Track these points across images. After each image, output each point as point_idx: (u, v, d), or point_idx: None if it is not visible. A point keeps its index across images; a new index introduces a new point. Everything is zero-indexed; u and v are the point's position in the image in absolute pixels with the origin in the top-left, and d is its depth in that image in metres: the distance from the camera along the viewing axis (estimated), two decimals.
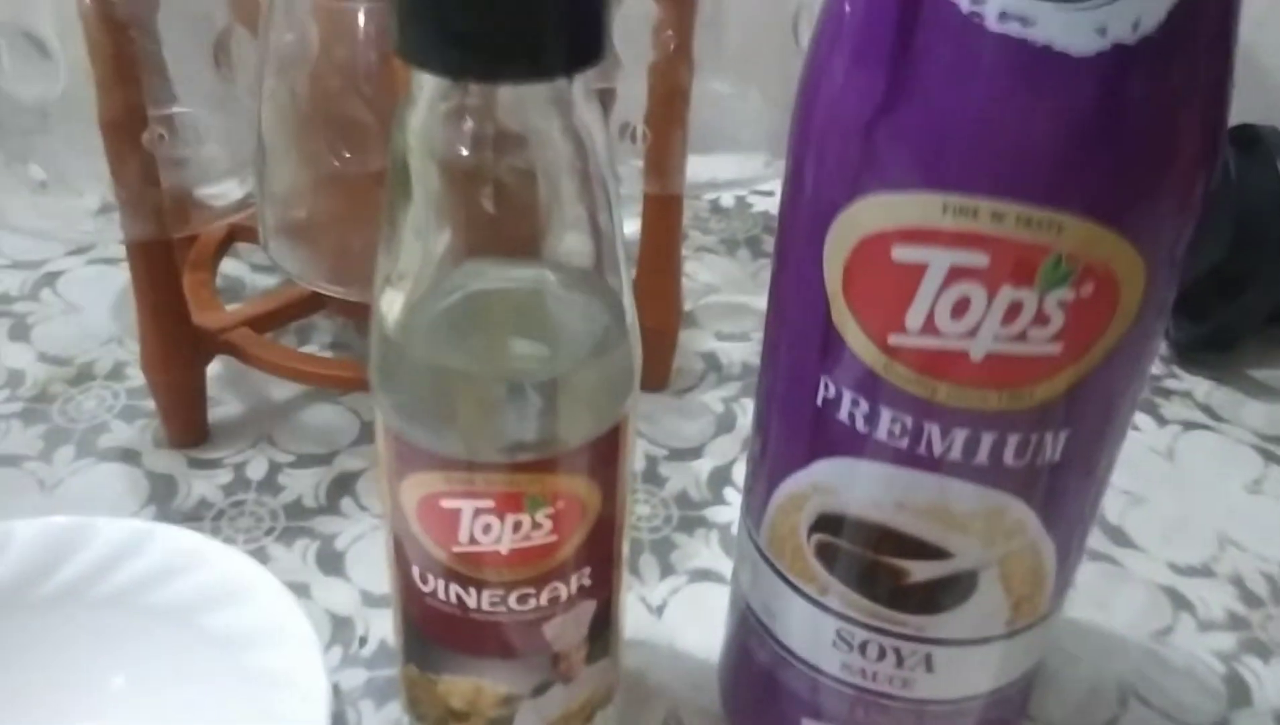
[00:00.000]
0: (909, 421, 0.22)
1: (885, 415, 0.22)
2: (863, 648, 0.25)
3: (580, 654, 0.26)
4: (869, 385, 0.22)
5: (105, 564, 0.27)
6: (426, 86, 0.21)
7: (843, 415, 0.23)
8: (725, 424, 0.41)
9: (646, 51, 0.36)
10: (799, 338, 0.23)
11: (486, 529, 0.23)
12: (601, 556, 0.25)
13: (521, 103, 0.21)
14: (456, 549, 0.24)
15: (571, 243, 0.23)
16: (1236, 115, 0.21)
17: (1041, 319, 0.20)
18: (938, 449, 0.22)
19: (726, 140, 0.54)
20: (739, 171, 0.55)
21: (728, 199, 0.54)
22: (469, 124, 0.21)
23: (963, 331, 0.21)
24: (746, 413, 0.41)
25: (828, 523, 0.24)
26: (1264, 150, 0.43)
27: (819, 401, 0.23)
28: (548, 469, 0.23)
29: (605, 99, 0.39)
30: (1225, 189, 0.43)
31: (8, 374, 0.40)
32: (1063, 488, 0.23)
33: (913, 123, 0.19)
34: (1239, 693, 0.32)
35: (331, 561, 0.34)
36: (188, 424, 0.37)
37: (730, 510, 0.37)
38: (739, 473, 0.39)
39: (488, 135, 0.21)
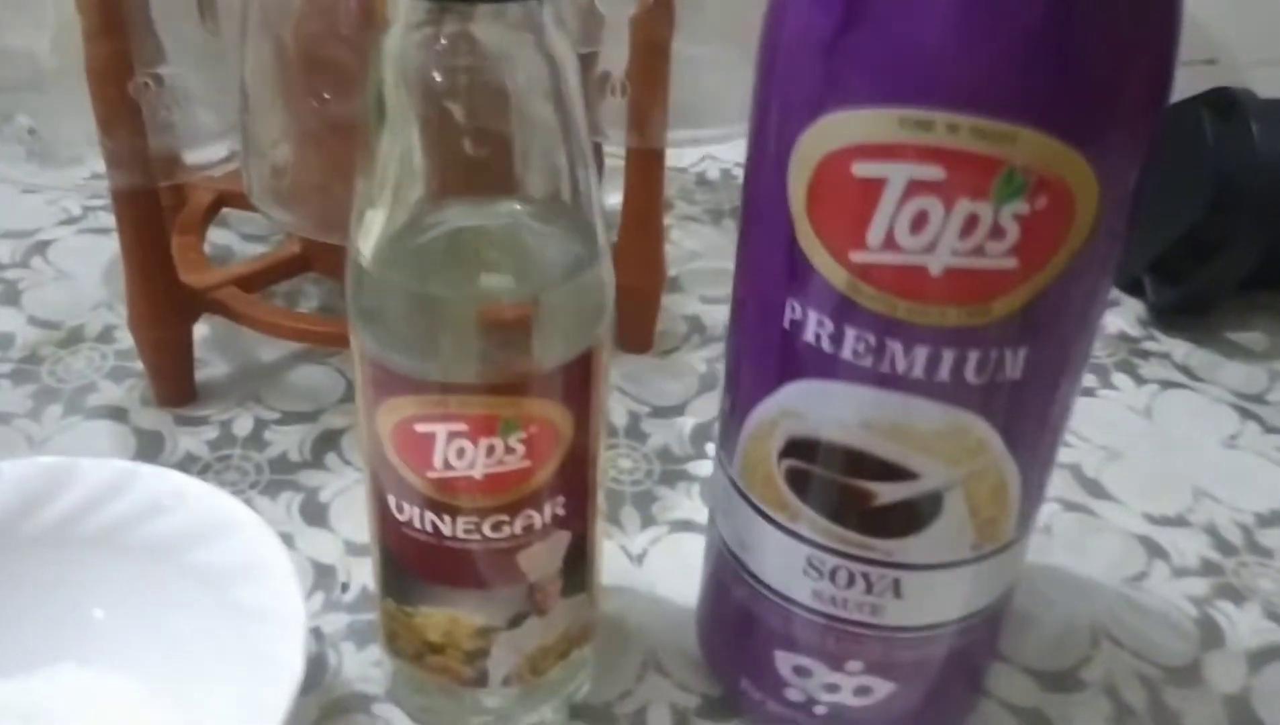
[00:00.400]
0: (872, 339, 0.22)
1: (850, 334, 0.23)
2: (833, 574, 0.25)
3: (556, 586, 0.27)
4: (834, 304, 0.22)
5: (90, 502, 0.28)
6: (402, 11, 0.21)
7: (809, 336, 0.23)
8: (708, 383, 0.41)
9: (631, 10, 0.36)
10: (766, 263, 0.24)
11: (460, 453, 0.24)
12: (576, 487, 0.26)
13: (494, 25, 0.21)
14: (431, 474, 0.24)
15: (544, 171, 0.24)
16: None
17: (998, 232, 0.21)
18: (900, 367, 0.22)
19: (710, 114, 0.55)
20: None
21: (713, 171, 0.55)
22: (443, 47, 0.21)
23: (922, 246, 0.21)
24: None
25: (797, 447, 0.25)
26: (1240, 115, 0.43)
27: (786, 324, 0.23)
28: (520, 391, 0.23)
29: (588, 61, 0.39)
30: (1202, 152, 0.44)
31: None
32: (1024, 407, 0.23)
33: (869, 41, 0.20)
34: (1211, 634, 0.33)
35: (315, 513, 0.35)
36: (175, 382, 0.38)
37: (711, 465, 0.37)
38: None
39: (462, 59, 0.22)
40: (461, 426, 0.23)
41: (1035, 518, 0.26)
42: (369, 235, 0.23)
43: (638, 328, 0.42)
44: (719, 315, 0.45)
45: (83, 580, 0.28)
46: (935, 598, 0.26)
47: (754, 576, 0.27)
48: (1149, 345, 0.45)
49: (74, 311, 0.42)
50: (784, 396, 0.24)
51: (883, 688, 0.27)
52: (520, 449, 0.24)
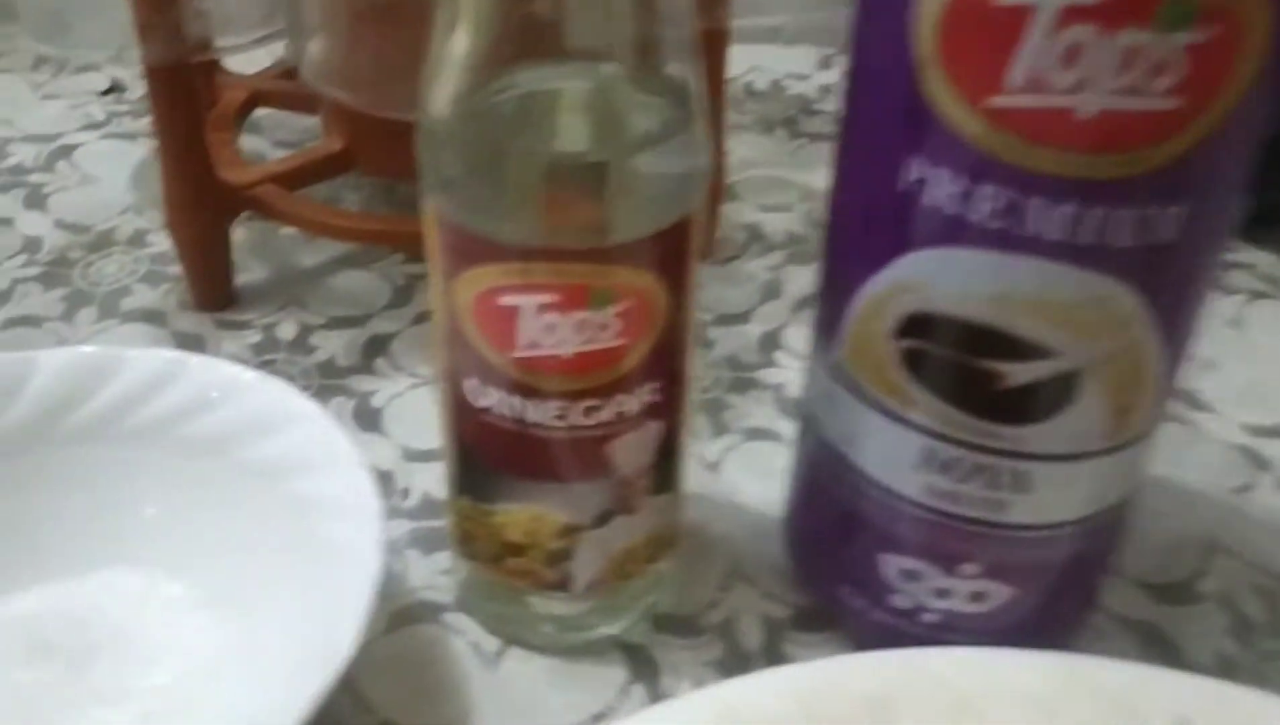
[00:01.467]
0: (1009, 198, 0.20)
1: (982, 193, 0.20)
2: (950, 467, 0.23)
3: (644, 483, 0.25)
4: (964, 160, 0.20)
5: (136, 395, 0.26)
6: None
7: (932, 199, 0.21)
8: (771, 291, 0.39)
9: None
10: (881, 121, 0.21)
11: (549, 329, 0.22)
12: (669, 371, 0.24)
13: None
14: (516, 354, 0.22)
15: (634, 29, 0.21)
16: None
17: (1160, 67, 0.18)
18: (1040, 228, 0.20)
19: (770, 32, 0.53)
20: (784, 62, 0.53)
21: (762, 82, 0.52)
22: None
23: (1072, 85, 0.19)
24: (794, 281, 0.39)
25: (915, 326, 0.22)
26: None
27: (905, 187, 0.21)
28: (612, 259, 0.21)
29: None
30: None
31: (24, 240, 0.39)
32: (1174, 275, 0.21)
33: None
34: None
35: (369, 418, 0.33)
36: (214, 285, 0.36)
37: (782, 372, 0.35)
38: (790, 337, 0.37)
39: None
40: (550, 297, 0.21)
41: (1166, 410, 0.24)
42: (447, 91, 0.21)
43: None
44: (779, 223, 0.42)
45: (131, 478, 0.26)
46: (1061, 493, 0.24)
47: (858, 473, 0.25)
48: (1231, 256, 0.42)
49: (102, 215, 0.40)
50: (900, 269, 0.22)
51: (999, 593, 0.25)
52: (614, 325, 0.22)
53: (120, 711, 0.24)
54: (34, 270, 0.37)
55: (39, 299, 0.36)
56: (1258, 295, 0.41)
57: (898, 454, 0.24)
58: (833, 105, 0.50)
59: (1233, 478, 0.33)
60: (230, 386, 0.26)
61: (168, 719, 0.24)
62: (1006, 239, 0.21)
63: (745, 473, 0.32)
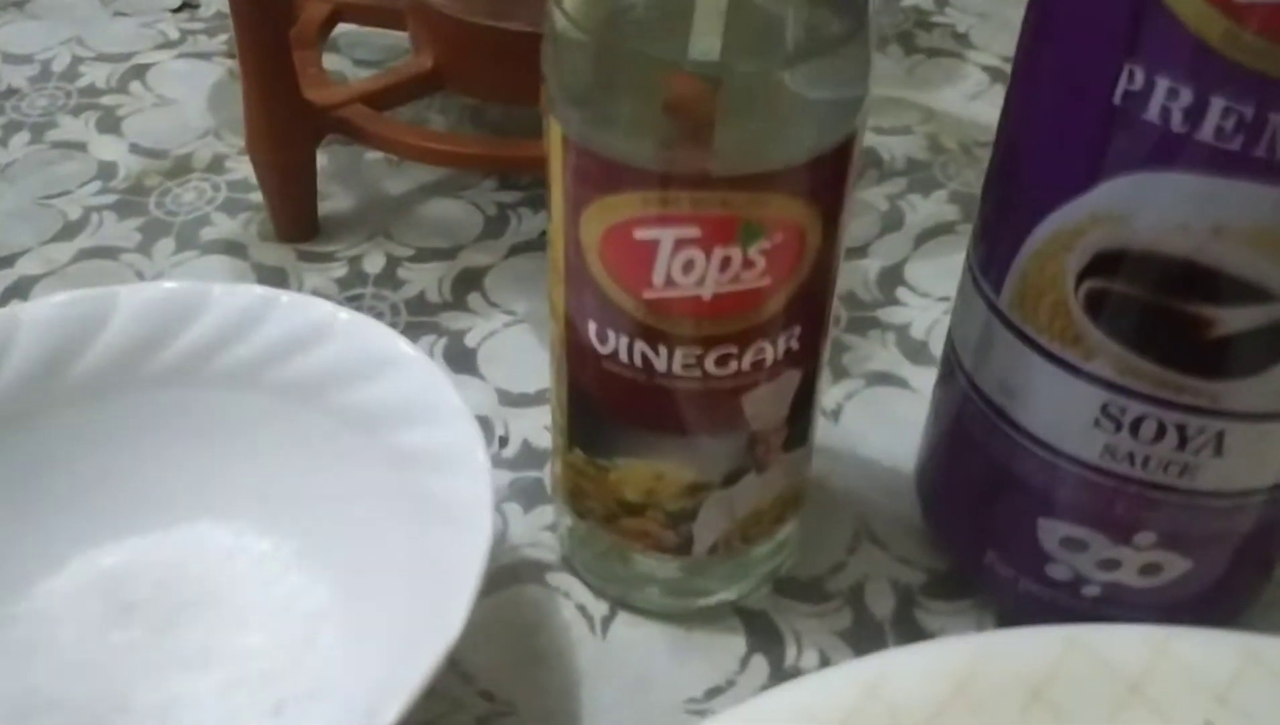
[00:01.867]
0: (1248, 112, 0.17)
1: (1215, 106, 0.17)
2: (1135, 426, 0.21)
3: (779, 437, 0.22)
4: (1197, 65, 0.17)
5: (223, 335, 0.24)
6: None
7: (1152, 113, 0.18)
8: (892, 222, 0.36)
9: None
10: (1090, 18, 0.18)
11: (688, 267, 0.19)
12: (813, 313, 0.21)
13: None
14: (648, 294, 0.20)
15: None
16: None
17: None
18: None
19: None
20: None
21: None
22: None
23: None
24: (915, 210, 0.36)
25: (1106, 264, 0.19)
26: None
27: (1118, 99, 0.18)
28: (768, 187, 0.19)
29: None
30: None
31: (99, 166, 0.37)
32: None
33: None
34: None
35: (462, 358, 0.30)
36: (297, 214, 0.33)
37: (906, 311, 0.33)
38: (912, 273, 0.34)
39: None
40: (693, 231, 0.19)
41: None
42: None
43: None
44: (898, 147, 0.39)
45: (218, 425, 0.24)
46: (1259, 457, 0.21)
47: (1019, 429, 0.22)
48: None
49: (179, 140, 0.38)
50: (1101, 196, 0.19)
51: (1176, 566, 0.22)
52: (761, 263, 0.19)
53: (205, 676, 0.22)
54: (109, 198, 0.35)
55: (115, 228, 0.34)
56: None
57: (1071, 409, 0.21)
58: (950, 19, 0.46)
59: None
60: (324, 327, 0.23)
61: (257, 686, 0.22)
62: (1236, 161, 0.17)
63: (868, 422, 0.29)
